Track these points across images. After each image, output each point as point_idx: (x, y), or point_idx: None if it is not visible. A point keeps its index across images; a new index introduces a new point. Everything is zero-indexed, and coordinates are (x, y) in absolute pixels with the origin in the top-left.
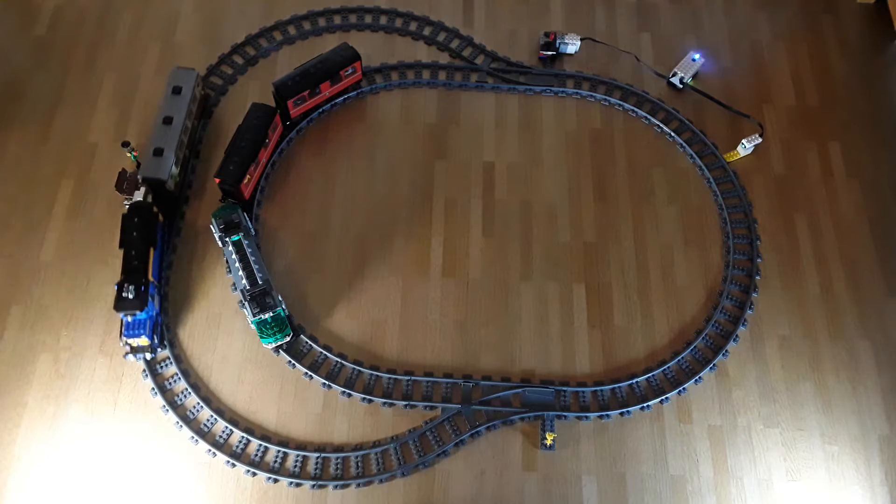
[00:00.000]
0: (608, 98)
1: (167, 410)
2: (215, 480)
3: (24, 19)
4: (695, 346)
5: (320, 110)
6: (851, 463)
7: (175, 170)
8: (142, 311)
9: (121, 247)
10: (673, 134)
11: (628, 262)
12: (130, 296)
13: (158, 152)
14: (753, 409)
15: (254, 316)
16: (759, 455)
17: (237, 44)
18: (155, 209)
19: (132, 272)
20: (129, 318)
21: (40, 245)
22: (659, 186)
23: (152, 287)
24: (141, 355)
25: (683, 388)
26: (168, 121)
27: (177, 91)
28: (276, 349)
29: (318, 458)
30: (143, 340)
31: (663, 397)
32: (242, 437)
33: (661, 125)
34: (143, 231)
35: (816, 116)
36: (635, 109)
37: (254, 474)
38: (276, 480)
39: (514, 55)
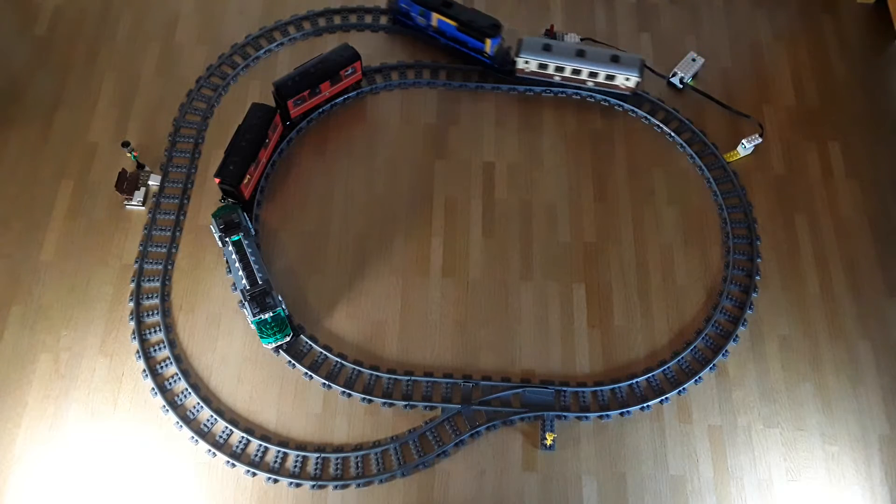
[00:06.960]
0: (608, 98)
1: (167, 410)
2: (215, 480)
3: (24, 19)
4: (695, 346)
5: (320, 110)
6: (851, 463)
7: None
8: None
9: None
10: (673, 134)
11: (628, 262)
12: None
13: None
14: (753, 409)
15: (254, 316)
16: (759, 455)
17: (237, 44)
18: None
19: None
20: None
21: (40, 245)
22: (659, 186)
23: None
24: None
25: (683, 388)
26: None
27: None
28: (276, 349)
29: (317, 458)
30: None
31: (663, 397)
32: (242, 437)
33: (661, 125)
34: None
35: (816, 116)
36: (635, 109)
37: (254, 474)
38: (276, 481)
39: (514, 55)
